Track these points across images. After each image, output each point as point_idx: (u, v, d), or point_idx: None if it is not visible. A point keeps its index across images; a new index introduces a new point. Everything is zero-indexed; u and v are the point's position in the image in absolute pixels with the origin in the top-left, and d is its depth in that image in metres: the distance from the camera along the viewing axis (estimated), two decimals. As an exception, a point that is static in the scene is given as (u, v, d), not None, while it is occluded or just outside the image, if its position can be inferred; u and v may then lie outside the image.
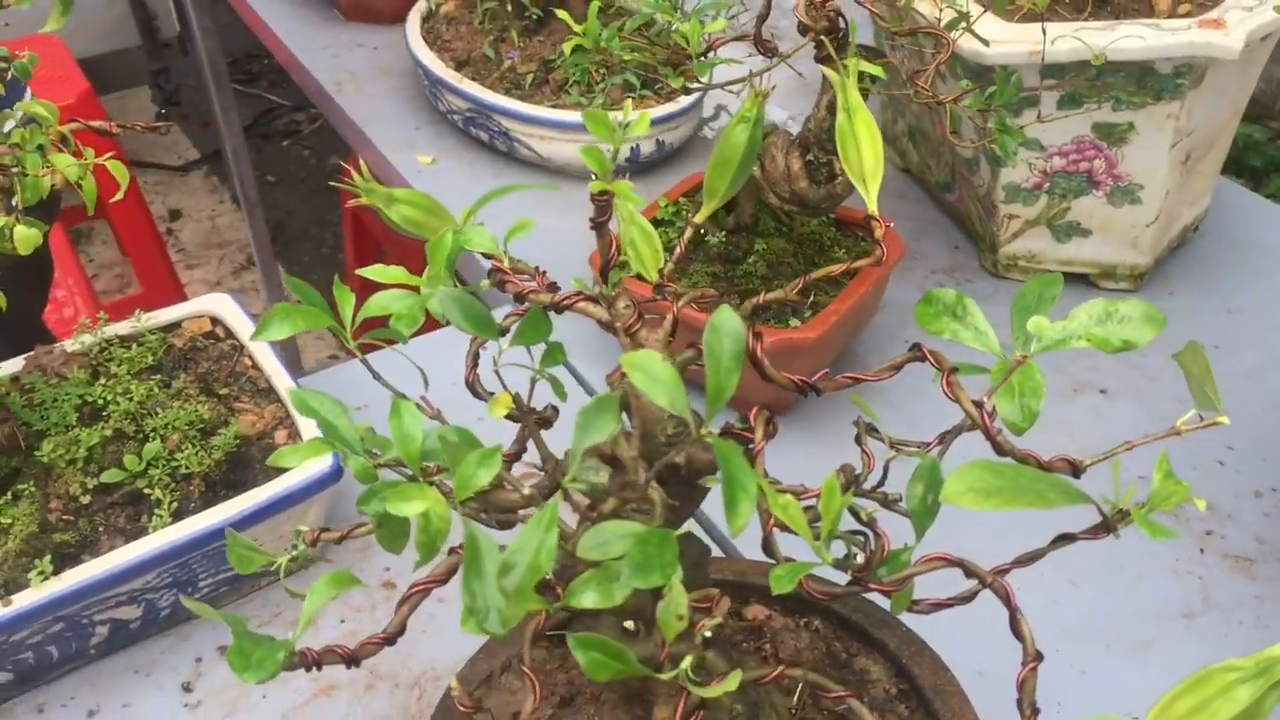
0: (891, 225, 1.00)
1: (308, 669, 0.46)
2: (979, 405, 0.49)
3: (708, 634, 0.42)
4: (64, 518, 0.77)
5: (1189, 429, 0.50)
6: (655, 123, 1.25)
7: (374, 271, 0.59)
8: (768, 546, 0.45)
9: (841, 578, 0.48)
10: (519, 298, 0.57)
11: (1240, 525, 0.88)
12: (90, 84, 2.33)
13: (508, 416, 0.58)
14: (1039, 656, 0.45)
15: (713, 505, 0.90)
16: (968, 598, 0.48)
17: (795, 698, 0.61)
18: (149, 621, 0.79)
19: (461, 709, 0.46)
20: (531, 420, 0.57)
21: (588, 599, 0.42)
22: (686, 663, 0.41)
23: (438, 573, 0.50)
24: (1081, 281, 1.09)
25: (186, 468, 0.79)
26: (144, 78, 3.52)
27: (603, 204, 0.54)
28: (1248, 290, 1.11)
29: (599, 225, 0.55)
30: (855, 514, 0.49)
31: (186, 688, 0.78)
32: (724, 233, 0.99)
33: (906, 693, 0.62)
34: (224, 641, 0.81)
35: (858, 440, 0.54)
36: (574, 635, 0.40)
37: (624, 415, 0.55)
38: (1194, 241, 1.15)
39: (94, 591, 0.74)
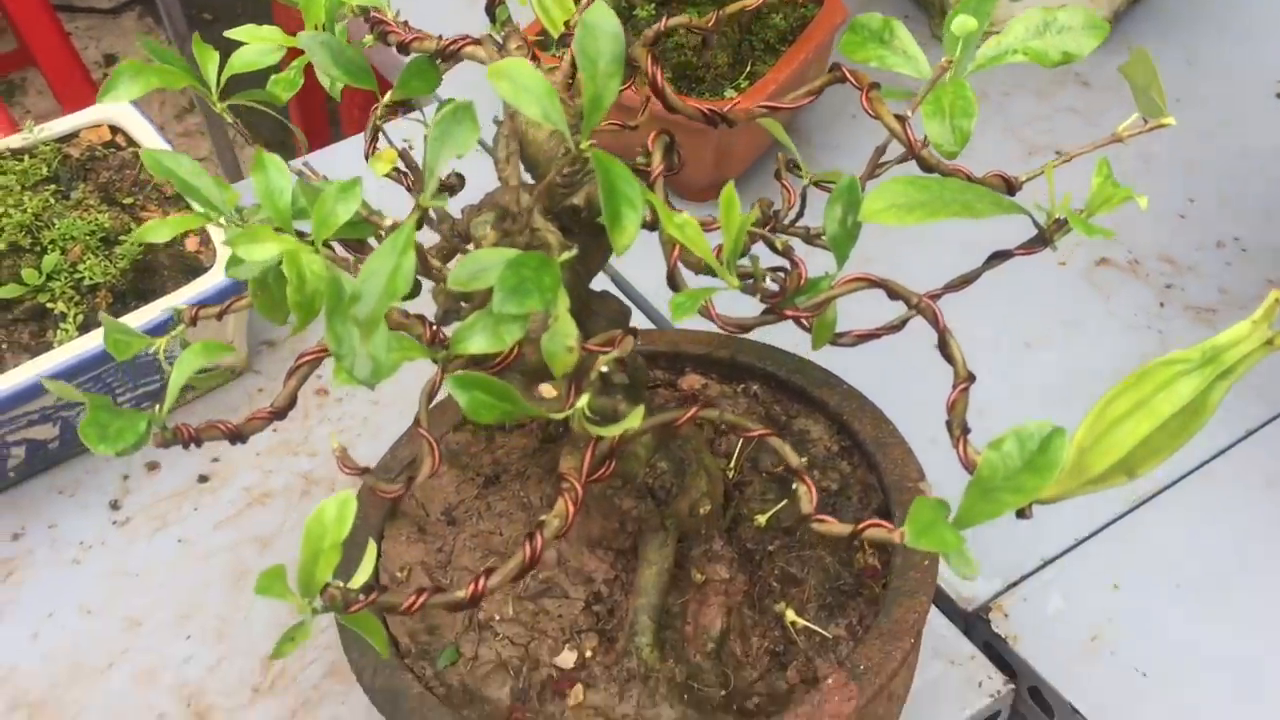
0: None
1: (185, 445, 0.43)
2: (902, 120, 0.45)
3: (604, 369, 0.38)
4: (-37, 338, 0.73)
5: (1131, 134, 0.46)
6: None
7: (243, 32, 0.54)
8: (672, 280, 0.42)
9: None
10: (402, 48, 0.52)
11: (1201, 276, 0.85)
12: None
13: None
14: (971, 378, 0.41)
15: (642, 276, 0.86)
16: (896, 326, 0.45)
17: (733, 462, 0.59)
18: (67, 441, 0.76)
19: (345, 470, 0.43)
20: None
21: (476, 343, 0.38)
22: (583, 401, 0.38)
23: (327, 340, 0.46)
24: (1036, 41, 1.03)
25: (90, 278, 0.74)
26: (62, -85, 3.34)
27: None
28: (1208, 42, 1.05)
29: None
30: (773, 247, 0.45)
31: (114, 505, 0.75)
32: (654, 4, 0.92)
33: (848, 449, 0.59)
34: (153, 457, 0.78)
35: (777, 175, 0.50)
36: (453, 376, 0.36)
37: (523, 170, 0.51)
38: (1153, -7, 1.09)
39: (1, 410, 0.70)
